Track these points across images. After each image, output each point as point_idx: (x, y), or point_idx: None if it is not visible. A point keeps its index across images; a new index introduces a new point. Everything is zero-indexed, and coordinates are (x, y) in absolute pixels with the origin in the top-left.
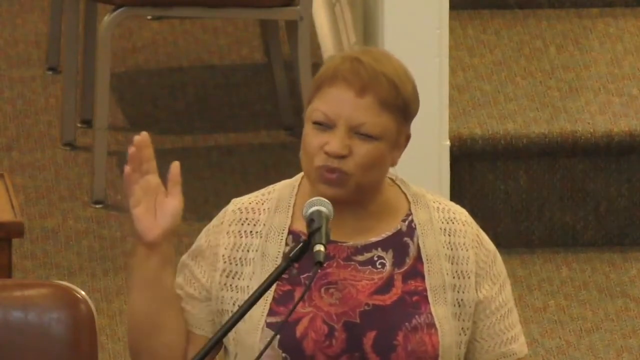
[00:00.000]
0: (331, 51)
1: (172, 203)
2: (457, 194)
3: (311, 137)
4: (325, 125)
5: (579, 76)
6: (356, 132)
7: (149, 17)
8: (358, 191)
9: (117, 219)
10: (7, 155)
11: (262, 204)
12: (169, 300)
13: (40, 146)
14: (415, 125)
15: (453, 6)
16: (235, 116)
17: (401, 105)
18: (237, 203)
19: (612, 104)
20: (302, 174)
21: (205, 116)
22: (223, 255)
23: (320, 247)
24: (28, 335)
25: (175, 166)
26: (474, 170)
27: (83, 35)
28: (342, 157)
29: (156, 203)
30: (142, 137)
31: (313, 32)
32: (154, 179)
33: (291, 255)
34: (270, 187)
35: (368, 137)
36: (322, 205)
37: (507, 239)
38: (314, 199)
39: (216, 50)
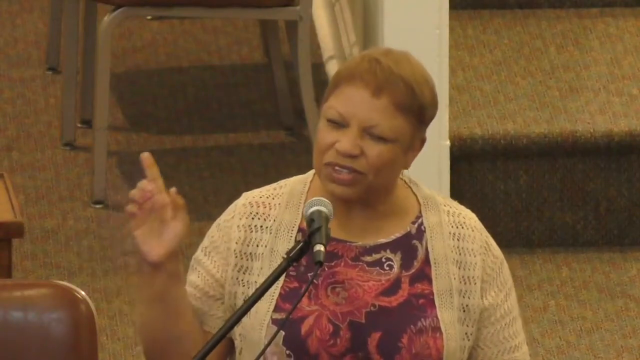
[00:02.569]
0: (331, 51)
1: (178, 226)
2: (456, 194)
3: (324, 133)
4: (339, 124)
5: (579, 76)
6: (369, 132)
7: (148, 17)
8: (368, 192)
9: (117, 219)
10: (7, 155)
11: (273, 198)
12: (179, 312)
13: (40, 146)
14: None
15: (453, 6)
16: (235, 116)
17: (417, 110)
18: (247, 197)
19: (612, 104)
20: (314, 170)
21: (205, 116)
22: (234, 250)
23: (320, 247)
24: (28, 335)
25: (177, 196)
26: (474, 170)
27: (83, 35)
28: (352, 156)
29: (162, 222)
30: (146, 157)
31: (313, 32)
32: (161, 198)
33: (291, 255)
34: (283, 182)
35: (380, 138)
36: (322, 206)
37: (507, 239)
38: (314, 199)
39: (216, 51)
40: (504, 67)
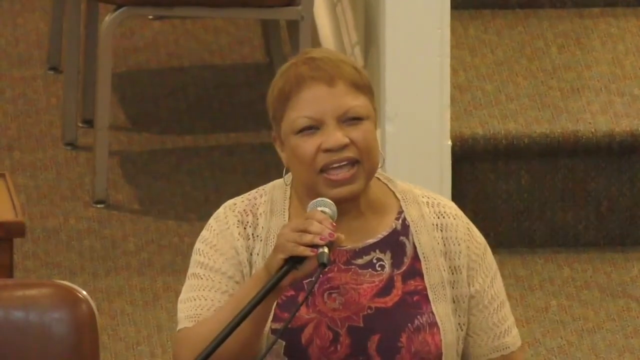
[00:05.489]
0: None
1: None
2: (458, 194)
3: (303, 146)
4: (312, 128)
5: (581, 76)
6: (345, 119)
7: (150, 17)
8: (367, 180)
9: (119, 219)
10: (8, 155)
11: (257, 207)
12: (266, 319)
13: (41, 146)
14: (417, 125)
15: (454, 6)
16: (237, 116)
17: (367, 85)
18: (232, 207)
19: (614, 104)
20: (287, 177)
21: (206, 116)
22: (243, 257)
23: (324, 249)
24: (29, 335)
25: None
26: (476, 170)
27: (84, 34)
28: (344, 146)
29: None
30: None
31: (314, 32)
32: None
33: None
34: (260, 190)
35: (357, 119)
36: (326, 206)
37: (508, 239)
38: (317, 199)
39: (217, 50)
40: (506, 67)
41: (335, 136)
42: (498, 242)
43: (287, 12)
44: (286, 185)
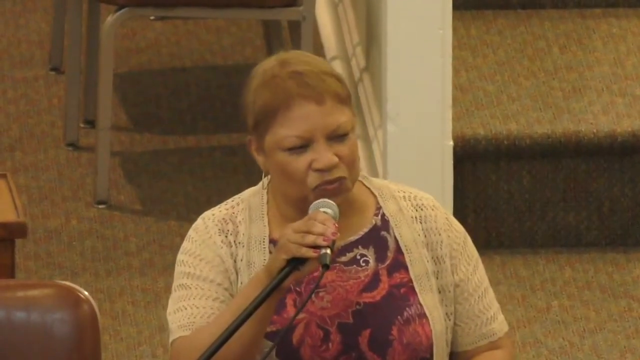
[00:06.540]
0: (334, 51)
1: None
2: (460, 195)
3: (293, 164)
4: (302, 147)
5: (582, 76)
6: (333, 137)
7: (152, 18)
8: (352, 187)
9: (120, 219)
10: (10, 155)
11: (236, 216)
12: (267, 321)
13: (43, 146)
14: (419, 125)
15: (456, 6)
16: (238, 116)
17: (348, 93)
18: (211, 217)
19: (615, 104)
20: (266, 180)
21: (208, 116)
22: (229, 265)
23: (326, 250)
24: (31, 335)
25: None
26: (477, 171)
27: (86, 35)
28: (335, 166)
29: None
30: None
31: (316, 32)
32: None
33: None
34: (237, 199)
35: (344, 135)
36: (328, 207)
37: (510, 239)
38: (319, 201)
39: (219, 51)
40: (507, 68)
41: (327, 157)
42: (499, 242)
43: (289, 12)
44: (263, 189)
